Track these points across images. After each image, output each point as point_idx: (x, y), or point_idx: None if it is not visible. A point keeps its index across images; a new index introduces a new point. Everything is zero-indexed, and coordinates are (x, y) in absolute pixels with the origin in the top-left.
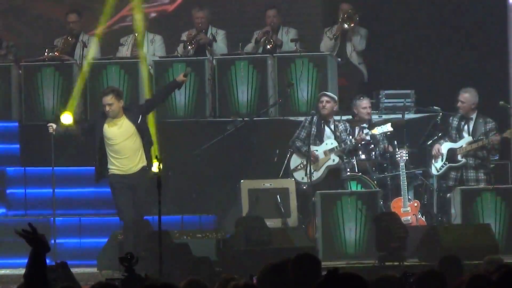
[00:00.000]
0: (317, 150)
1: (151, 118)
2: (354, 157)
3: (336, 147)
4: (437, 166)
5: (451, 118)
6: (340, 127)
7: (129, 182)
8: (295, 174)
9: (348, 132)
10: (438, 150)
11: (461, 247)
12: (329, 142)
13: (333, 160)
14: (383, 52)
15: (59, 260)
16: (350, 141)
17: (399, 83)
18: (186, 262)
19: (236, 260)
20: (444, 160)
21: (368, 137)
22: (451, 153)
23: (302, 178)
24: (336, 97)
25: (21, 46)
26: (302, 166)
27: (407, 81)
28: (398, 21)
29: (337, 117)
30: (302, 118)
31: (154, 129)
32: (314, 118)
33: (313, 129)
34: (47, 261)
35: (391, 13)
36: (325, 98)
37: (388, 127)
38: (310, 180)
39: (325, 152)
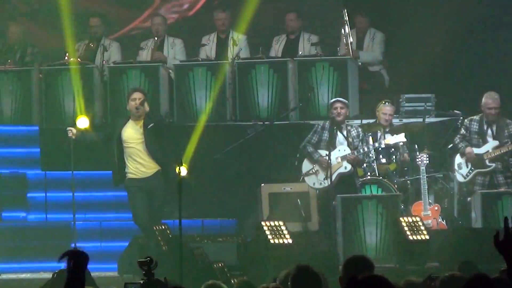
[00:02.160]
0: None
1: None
2: (375, 161)
3: (349, 154)
4: (463, 172)
5: (467, 122)
6: (353, 132)
7: (145, 186)
8: (307, 179)
9: (360, 138)
10: (472, 153)
11: (481, 251)
12: (342, 148)
13: (345, 168)
14: (403, 56)
15: None
16: (364, 150)
17: (419, 87)
18: (202, 266)
19: (257, 264)
20: (470, 166)
21: (382, 146)
22: (477, 158)
23: (314, 184)
24: (348, 103)
25: (42, 50)
26: (313, 171)
27: (428, 84)
28: (418, 25)
29: (357, 121)
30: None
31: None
32: (327, 124)
33: (325, 134)
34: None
35: (410, 16)
36: (339, 105)
37: (401, 137)
38: (330, 181)
39: (336, 159)
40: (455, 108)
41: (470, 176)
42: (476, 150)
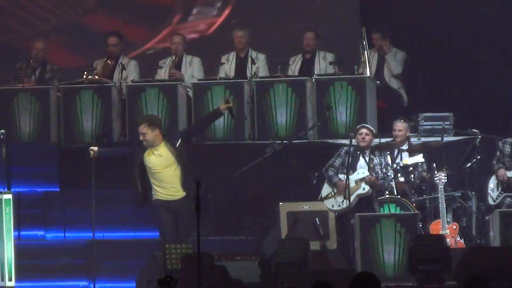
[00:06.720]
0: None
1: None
2: (393, 180)
3: (367, 176)
4: (493, 196)
5: (501, 145)
6: (375, 160)
7: (173, 208)
8: (326, 202)
9: (382, 166)
10: (504, 176)
11: (500, 269)
12: (361, 171)
13: (363, 189)
14: (421, 75)
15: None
16: (383, 177)
17: (438, 105)
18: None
19: (276, 282)
20: (500, 189)
21: (401, 165)
22: (508, 181)
23: (332, 206)
24: (374, 130)
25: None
26: (332, 195)
27: (446, 103)
28: (437, 44)
29: (376, 140)
30: (341, 141)
31: None
32: (351, 149)
33: (348, 159)
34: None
35: (429, 35)
36: (364, 131)
37: (420, 158)
38: (349, 202)
39: (355, 181)
40: (473, 127)
41: (499, 200)
42: (509, 173)
